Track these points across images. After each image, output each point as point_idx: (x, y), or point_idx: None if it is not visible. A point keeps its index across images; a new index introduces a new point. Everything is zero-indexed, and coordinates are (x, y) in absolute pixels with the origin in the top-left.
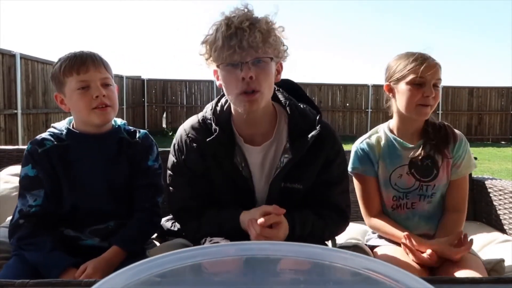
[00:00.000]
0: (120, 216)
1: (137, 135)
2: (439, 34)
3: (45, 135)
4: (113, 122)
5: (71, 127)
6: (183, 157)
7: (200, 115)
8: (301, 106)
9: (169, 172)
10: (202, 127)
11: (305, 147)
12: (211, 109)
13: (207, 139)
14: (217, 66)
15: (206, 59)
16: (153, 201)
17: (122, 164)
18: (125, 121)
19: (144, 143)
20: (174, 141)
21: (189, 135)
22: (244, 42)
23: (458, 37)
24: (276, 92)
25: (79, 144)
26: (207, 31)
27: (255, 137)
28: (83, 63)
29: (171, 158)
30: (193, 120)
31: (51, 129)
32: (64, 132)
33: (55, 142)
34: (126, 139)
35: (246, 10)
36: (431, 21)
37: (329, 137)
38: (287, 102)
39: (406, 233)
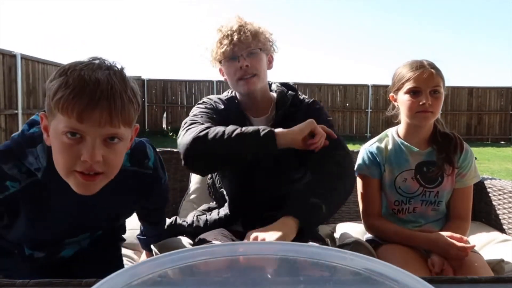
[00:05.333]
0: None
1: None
2: (439, 34)
3: None
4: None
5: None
6: (212, 111)
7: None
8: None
9: (190, 117)
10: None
11: (287, 102)
12: (218, 97)
13: (220, 108)
14: (219, 63)
15: (210, 61)
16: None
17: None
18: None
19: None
20: (199, 105)
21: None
22: (236, 39)
23: (458, 37)
24: (272, 84)
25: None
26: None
27: (259, 113)
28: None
29: (198, 109)
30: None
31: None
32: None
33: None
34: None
35: (237, 17)
36: (432, 21)
37: (315, 102)
38: (278, 85)
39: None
